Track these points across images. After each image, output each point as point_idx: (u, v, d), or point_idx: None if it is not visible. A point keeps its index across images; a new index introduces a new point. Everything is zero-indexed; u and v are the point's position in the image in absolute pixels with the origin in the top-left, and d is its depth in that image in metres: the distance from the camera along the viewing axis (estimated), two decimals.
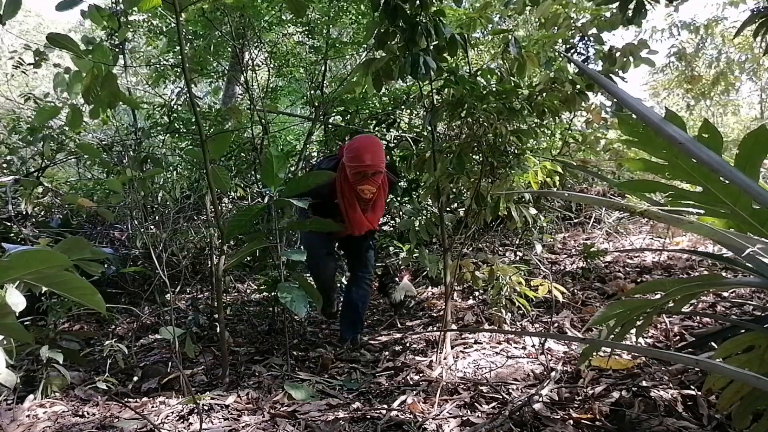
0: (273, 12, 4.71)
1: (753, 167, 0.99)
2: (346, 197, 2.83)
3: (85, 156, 4.26)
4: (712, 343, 1.85)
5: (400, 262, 3.83)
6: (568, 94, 2.90)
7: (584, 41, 3.50)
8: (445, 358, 2.47)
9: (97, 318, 3.74)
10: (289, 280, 2.51)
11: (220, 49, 5.10)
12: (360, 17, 4.66)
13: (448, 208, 3.66)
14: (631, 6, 2.93)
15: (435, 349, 2.57)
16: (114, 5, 3.45)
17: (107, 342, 2.73)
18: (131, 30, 5.65)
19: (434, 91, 2.59)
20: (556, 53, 3.31)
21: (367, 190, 2.77)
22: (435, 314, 3.37)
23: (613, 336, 1.37)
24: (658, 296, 1.27)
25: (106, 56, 2.06)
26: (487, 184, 2.56)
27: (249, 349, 3.01)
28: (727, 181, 0.99)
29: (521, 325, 2.88)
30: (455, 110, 2.40)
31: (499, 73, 2.79)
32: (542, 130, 3.42)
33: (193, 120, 3.98)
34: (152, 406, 2.26)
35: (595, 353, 2.20)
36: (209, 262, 3.92)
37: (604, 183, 5.45)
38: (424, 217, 3.23)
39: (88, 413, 2.22)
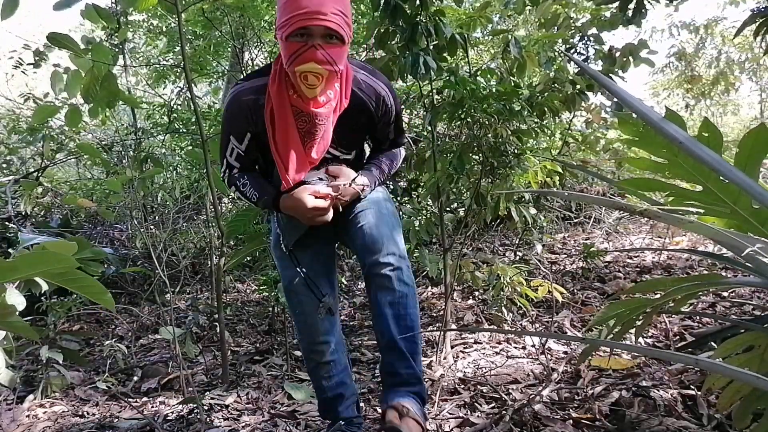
0: (273, 12, 4.71)
1: (753, 166, 0.99)
2: (281, 114, 1.51)
3: (85, 156, 4.26)
4: (712, 343, 1.85)
5: None
6: (568, 94, 2.90)
7: (584, 41, 3.50)
8: (444, 358, 2.47)
9: (97, 318, 3.74)
10: None
11: (220, 49, 5.10)
12: (360, 17, 4.66)
13: (448, 208, 3.66)
14: (631, 6, 2.93)
15: (435, 349, 2.57)
16: (113, 5, 3.45)
17: (107, 342, 2.74)
18: (131, 30, 5.65)
19: (434, 91, 2.59)
20: (556, 53, 3.31)
21: (312, 74, 1.42)
22: (435, 314, 3.37)
23: (612, 336, 1.37)
24: (657, 296, 1.27)
25: (106, 56, 2.06)
26: (487, 184, 2.56)
27: (249, 349, 3.01)
28: (726, 181, 0.99)
29: (521, 325, 2.88)
30: (455, 111, 2.40)
31: (499, 73, 2.78)
32: (542, 130, 3.42)
33: (193, 120, 3.98)
34: (152, 406, 2.26)
35: (595, 353, 2.20)
36: (209, 262, 3.92)
37: (603, 183, 5.46)
38: (424, 217, 3.23)
39: (88, 413, 2.22)
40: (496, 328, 2.80)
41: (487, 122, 2.33)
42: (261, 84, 1.52)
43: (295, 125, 1.52)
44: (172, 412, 2.16)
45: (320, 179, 1.57)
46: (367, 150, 1.86)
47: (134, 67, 6.72)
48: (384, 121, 1.65)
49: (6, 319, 0.93)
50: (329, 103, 1.52)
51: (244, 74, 4.82)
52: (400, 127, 1.72)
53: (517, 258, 4.06)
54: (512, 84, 2.59)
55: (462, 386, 2.16)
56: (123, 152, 4.11)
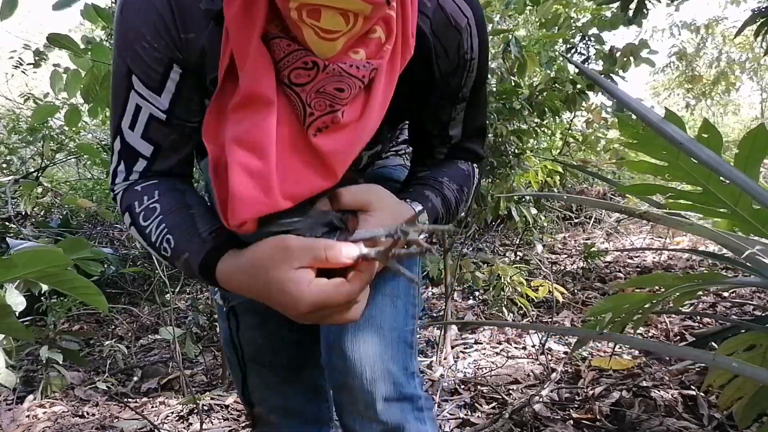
0: None
1: (753, 167, 0.99)
2: (248, 62, 0.61)
3: (85, 156, 4.26)
4: (713, 343, 1.85)
5: None
6: (569, 93, 2.90)
7: (585, 41, 3.50)
8: (445, 359, 2.47)
9: (97, 318, 3.74)
10: None
11: None
12: None
13: None
14: (632, 6, 2.92)
15: (435, 349, 2.57)
16: (114, 5, 3.44)
17: (107, 342, 2.74)
18: None
19: None
20: (557, 53, 3.31)
21: (330, 10, 0.56)
22: (435, 314, 3.37)
23: (610, 328, 1.36)
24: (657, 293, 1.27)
25: (106, 56, 2.06)
26: (487, 183, 2.56)
27: None
28: (727, 182, 0.98)
29: None
30: None
31: (499, 73, 2.78)
32: (542, 130, 3.42)
33: None
34: (152, 406, 2.26)
35: (595, 353, 2.20)
36: None
37: (604, 183, 5.46)
38: None
39: (88, 413, 2.22)
40: (496, 321, 2.80)
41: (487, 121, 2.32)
42: None
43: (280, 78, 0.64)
44: (172, 412, 2.16)
45: (326, 229, 0.66)
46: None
47: None
48: (449, 91, 0.78)
49: (3, 320, 0.93)
50: (381, 46, 0.66)
51: None
52: (478, 121, 0.86)
53: (518, 258, 4.05)
54: (513, 84, 2.59)
55: (462, 386, 2.16)
56: None
